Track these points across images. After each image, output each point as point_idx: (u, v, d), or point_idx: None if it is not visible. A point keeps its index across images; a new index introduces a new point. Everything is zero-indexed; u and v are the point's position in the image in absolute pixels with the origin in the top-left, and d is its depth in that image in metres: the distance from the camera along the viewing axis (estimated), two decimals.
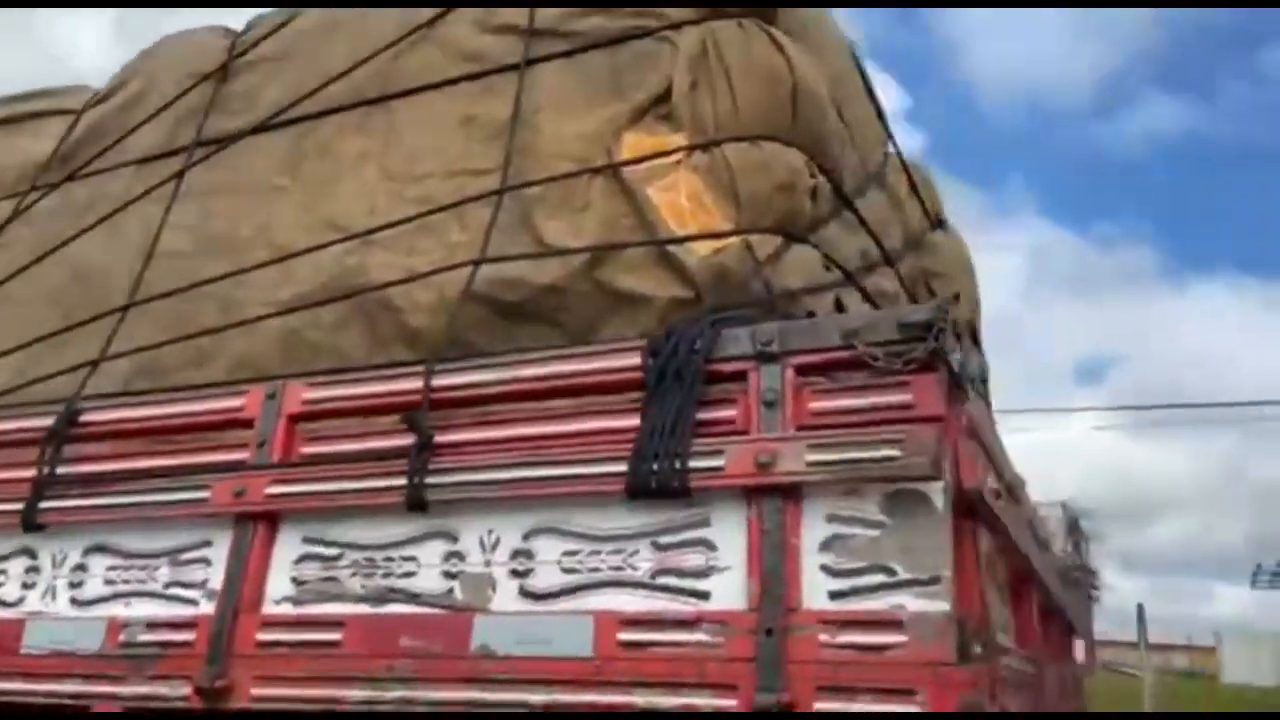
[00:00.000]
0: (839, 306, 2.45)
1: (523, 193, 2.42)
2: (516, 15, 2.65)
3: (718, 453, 1.66)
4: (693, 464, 1.66)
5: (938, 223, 3.84)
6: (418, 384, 1.98)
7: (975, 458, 1.61)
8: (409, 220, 2.45)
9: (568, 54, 2.56)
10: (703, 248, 2.25)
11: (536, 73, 2.58)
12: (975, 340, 4.10)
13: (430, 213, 2.44)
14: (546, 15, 2.62)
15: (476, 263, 2.30)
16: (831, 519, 1.61)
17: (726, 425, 1.73)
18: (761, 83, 2.37)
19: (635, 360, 1.80)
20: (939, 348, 1.58)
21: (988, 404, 4.27)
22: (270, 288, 2.68)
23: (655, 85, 2.43)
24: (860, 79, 3.20)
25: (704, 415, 1.73)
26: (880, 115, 3.32)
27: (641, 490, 1.68)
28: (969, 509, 1.72)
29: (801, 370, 1.70)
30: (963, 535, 1.71)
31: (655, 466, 1.67)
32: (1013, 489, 2.76)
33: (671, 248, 2.26)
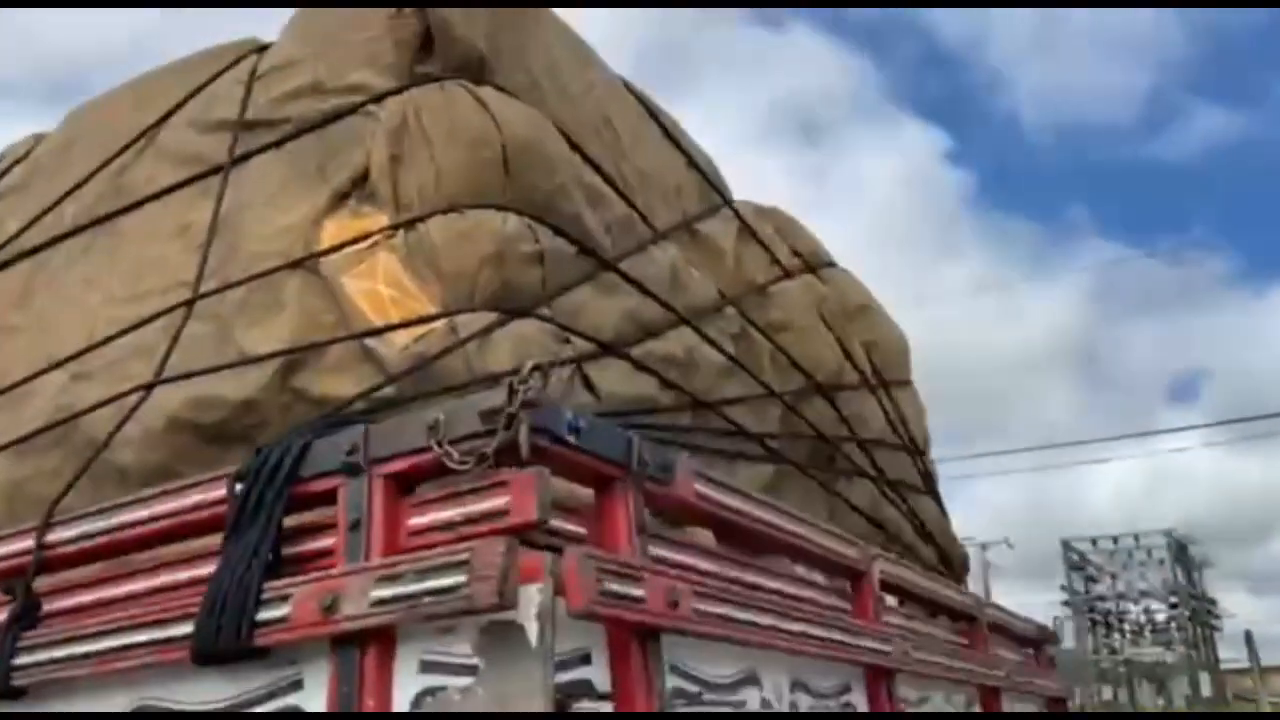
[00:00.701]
0: (587, 384, 2.14)
1: (224, 301, 2.16)
2: (230, 109, 2.43)
3: (285, 598, 1.33)
4: (262, 615, 1.33)
5: (805, 269, 3.52)
6: (30, 543, 1.68)
7: (586, 571, 1.25)
8: (92, 348, 2.19)
9: (275, 145, 2.32)
10: (402, 337, 1.96)
11: (248, 168, 2.34)
12: (885, 387, 3.73)
13: (114, 337, 2.19)
14: (259, 105, 2.39)
15: (149, 386, 2.03)
16: (426, 668, 1.27)
17: (321, 559, 1.40)
18: (465, 147, 2.10)
19: (222, 492, 1.49)
20: (514, 438, 1.25)
21: (915, 455, 3.87)
22: (4, 438, 2.44)
23: (358, 164, 2.17)
24: (656, 125, 2.94)
25: (294, 549, 1.41)
26: (691, 162, 3.04)
27: (206, 654, 1.35)
28: (638, 631, 1.37)
29: (396, 480, 1.38)
30: (626, 664, 1.35)
31: (221, 623, 1.35)
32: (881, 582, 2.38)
33: (370, 341, 1.98)
